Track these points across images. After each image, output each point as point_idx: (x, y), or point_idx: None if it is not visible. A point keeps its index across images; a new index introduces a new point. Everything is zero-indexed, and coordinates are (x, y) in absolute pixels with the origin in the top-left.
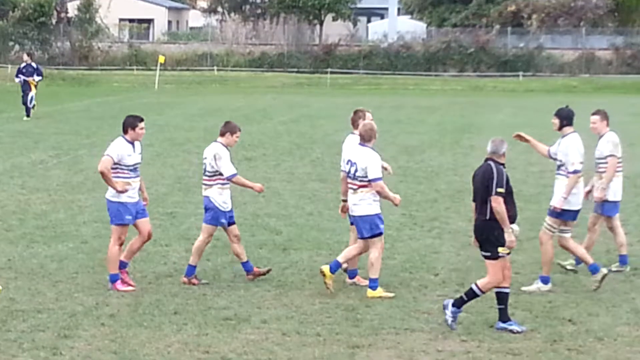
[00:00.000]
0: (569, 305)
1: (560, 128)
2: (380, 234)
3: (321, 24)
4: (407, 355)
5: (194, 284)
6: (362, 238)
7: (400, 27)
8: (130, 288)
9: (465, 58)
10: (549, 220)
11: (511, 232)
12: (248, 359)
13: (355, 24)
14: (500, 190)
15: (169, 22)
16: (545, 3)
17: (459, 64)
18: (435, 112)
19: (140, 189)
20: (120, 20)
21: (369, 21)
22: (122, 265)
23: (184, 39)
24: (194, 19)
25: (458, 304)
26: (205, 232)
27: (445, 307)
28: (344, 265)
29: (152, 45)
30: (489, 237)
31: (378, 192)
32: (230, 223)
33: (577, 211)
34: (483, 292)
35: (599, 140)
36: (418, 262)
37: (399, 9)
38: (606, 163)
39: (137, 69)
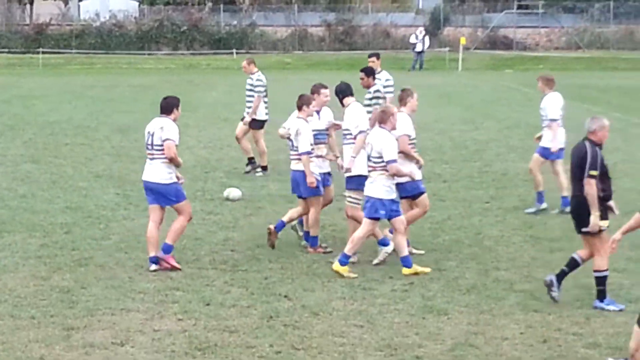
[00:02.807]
0: (285, 281)
1: (341, 102)
2: (377, 218)
3: (31, 3)
4: (123, 336)
5: (320, 252)
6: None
7: (113, 6)
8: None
9: (178, 36)
10: (353, 194)
11: (597, 215)
12: None
13: (66, 3)
14: (593, 172)
15: None
16: None
17: (172, 42)
18: (150, 91)
19: None
20: None
21: (80, 0)
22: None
23: None
24: None
25: (601, 297)
26: (314, 204)
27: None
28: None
29: None
30: (587, 213)
31: (394, 175)
32: (326, 185)
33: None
34: (605, 269)
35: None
36: (133, 241)
37: None
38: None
39: None
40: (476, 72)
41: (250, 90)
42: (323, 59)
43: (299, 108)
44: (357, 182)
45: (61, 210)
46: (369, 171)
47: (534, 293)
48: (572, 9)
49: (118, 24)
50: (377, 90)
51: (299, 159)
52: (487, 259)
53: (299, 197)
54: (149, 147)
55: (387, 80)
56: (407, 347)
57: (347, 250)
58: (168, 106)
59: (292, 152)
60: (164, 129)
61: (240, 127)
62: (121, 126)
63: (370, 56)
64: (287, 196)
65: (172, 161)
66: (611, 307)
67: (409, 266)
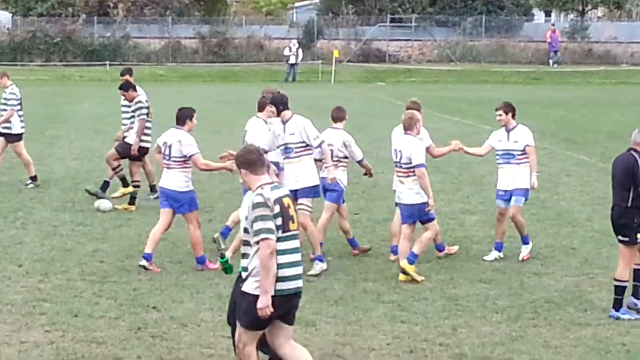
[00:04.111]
0: (154, 292)
1: (279, 114)
2: (430, 219)
3: None
4: None
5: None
6: (405, 223)
7: None
8: (215, 266)
9: (51, 48)
10: (306, 202)
11: None
12: None
13: None
14: None
15: None
16: None
17: (45, 53)
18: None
19: None
20: None
21: None
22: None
23: None
24: None
25: (617, 306)
26: (329, 210)
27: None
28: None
29: None
30: (629, 223)
31: (419, 177)
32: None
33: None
34: (625, 280)
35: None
36: (1, 253)
37: None
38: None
39: None
40: (349, 84)
41: (4, 104)
42: (196, 71)
43: (341, 119)
44: (313, 192)
45: None
46: (400, 177)
47: (401, 304)
48: (445, 23)
49: None
50: (139, 102)
51: (336, 167)
52: (356, 270)
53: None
54: (167, 157)
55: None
56: None
57: (416, 250)
58: (182, 117)
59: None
60: (182, 142)
61: None
62: None
63: (123, 73)
64: (157, 207)
65: (208, 169)
66: (626, 317)
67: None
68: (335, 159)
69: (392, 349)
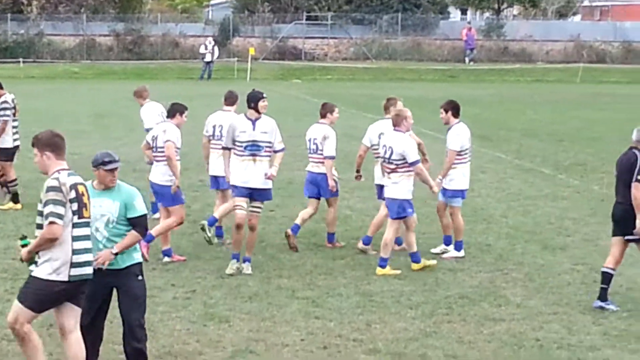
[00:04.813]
0: None
1: (254, 110)
2: (405, 216)
3: None
4: None
5: (337, 246)
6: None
7: None
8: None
9: None
10: (260, 205)
11: None
12: None
13: None
14: None
15: None
16: None
17: None
18: None
19: None
20: None
21: None
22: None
23: None
24: None
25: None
26: (333, 203)
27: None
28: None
29: None
30: (632, 219)
31: (417, 174)
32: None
33: None
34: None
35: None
36: None
37: None
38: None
39: None
40: (265, 82)
41: None
42: (111, 69)
43: (324, 115)
44: (269, 195)
45: None
46: (389, 173)
47: (316, 300)
48: (361, 21)
49: None
50: (5, 102)
51: (322, 162)
52: (270, 266)
53: (312, 198)
54: (155, 150)
55: None
56: (187, 354)
57: (384, 254)
58: (172, 110)
59: (312, 156)
60: (166, 132)
61: None
62: None
63: None
64: None
65: (168, 160)
66: None
67: (418, 261)
68: (320, 153)
69: (305, 345)
